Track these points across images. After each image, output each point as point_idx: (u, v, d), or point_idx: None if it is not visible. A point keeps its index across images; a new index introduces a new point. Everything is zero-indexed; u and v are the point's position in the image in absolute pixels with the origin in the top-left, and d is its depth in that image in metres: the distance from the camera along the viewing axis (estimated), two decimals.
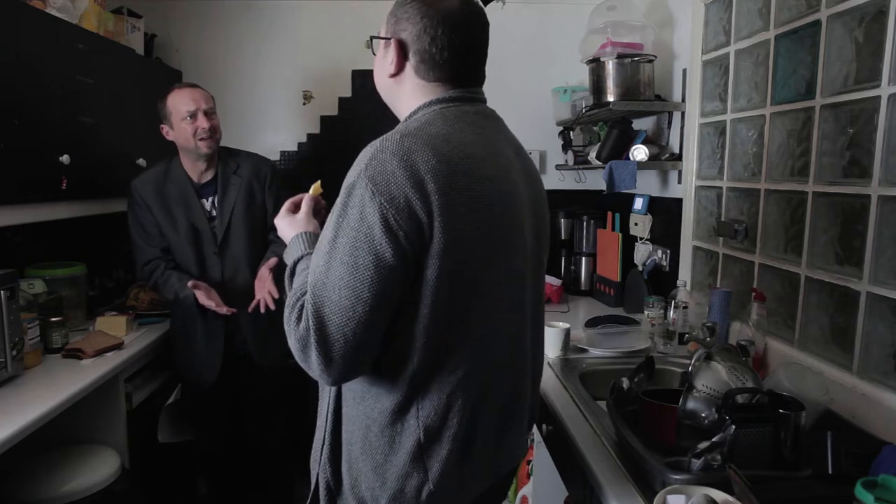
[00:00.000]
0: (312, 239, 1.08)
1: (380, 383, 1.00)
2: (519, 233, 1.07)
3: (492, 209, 1.00)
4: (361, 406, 1.03)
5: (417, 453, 1.00)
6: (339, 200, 0.95)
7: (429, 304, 0.95)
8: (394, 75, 1.07)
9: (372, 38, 1.12)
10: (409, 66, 1.06)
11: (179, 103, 2.03)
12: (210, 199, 2.15)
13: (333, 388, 1.07)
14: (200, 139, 2.04)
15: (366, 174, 0.92)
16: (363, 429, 1.03)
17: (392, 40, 1.05)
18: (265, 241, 2.22)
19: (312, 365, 0.93)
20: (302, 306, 0.95)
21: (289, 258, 1.09)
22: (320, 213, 1.18)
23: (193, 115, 2.02)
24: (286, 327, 0.96)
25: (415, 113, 1.06)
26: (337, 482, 1.08)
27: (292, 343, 0.95)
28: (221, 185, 2.13)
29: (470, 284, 0.99)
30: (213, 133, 2.07)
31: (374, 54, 1.13)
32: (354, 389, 1.04)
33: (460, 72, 1.07)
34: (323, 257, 0.93)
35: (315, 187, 1.21)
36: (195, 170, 2.13)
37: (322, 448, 1.09)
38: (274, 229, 2.15)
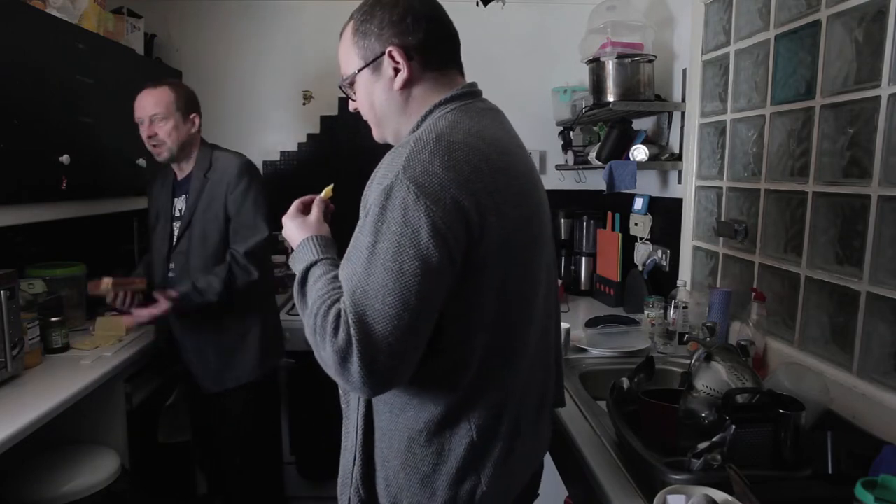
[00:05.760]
0: (324, 243, 1.01)
1: (425, 392, 0.96)
2: (546, 227, 1.08)
3: (528, 205, 1.00)
4: (402, 418, 0.98)
5: (470, 458, 0.97)
6: (374, 203, 0.88)
7: (482, 308, 0.94)
8: (407, 80, 1.01)
9: (354, 74, 1.07)
10: (417, 65, 1.01)
11: (135, 110, 1.96)
12: (182, 198, 2.05)
13: (361, 405, 1.02)
14: (151, 147, 1.97)
15: (405, 176, 0.86)
16: (405, 441, 0.98)
17: (387, 52, 1.00)
18: (221, 253, 1.96)
19: (353, 377, 0.86)
20: (337, 316, 0.87)
21: (297, 264, 1.00)
22: (328, 217, 1.12)
23: (142, 124, 1.95)
24: (314, 339, 0.90)
25: (430, 112, 1.00)
26: (372, 502, 1.03)
27: (328, 355, 0.87)
28: (193, 186, 2.01)
29: (517, 282, 0.98)
30: (160, 143, 1.94)
31: (353, 98, 1.10)
32: (391, 402, 0.99)
33: (455, 55, 1.06)
34: (362, 264, 0.87)
35: (327, 191, 1.16)
36: (176, 167, 2.07)
37: (353, 468, 1.03)
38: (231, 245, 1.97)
